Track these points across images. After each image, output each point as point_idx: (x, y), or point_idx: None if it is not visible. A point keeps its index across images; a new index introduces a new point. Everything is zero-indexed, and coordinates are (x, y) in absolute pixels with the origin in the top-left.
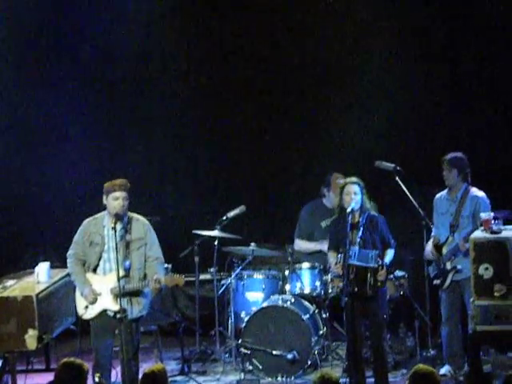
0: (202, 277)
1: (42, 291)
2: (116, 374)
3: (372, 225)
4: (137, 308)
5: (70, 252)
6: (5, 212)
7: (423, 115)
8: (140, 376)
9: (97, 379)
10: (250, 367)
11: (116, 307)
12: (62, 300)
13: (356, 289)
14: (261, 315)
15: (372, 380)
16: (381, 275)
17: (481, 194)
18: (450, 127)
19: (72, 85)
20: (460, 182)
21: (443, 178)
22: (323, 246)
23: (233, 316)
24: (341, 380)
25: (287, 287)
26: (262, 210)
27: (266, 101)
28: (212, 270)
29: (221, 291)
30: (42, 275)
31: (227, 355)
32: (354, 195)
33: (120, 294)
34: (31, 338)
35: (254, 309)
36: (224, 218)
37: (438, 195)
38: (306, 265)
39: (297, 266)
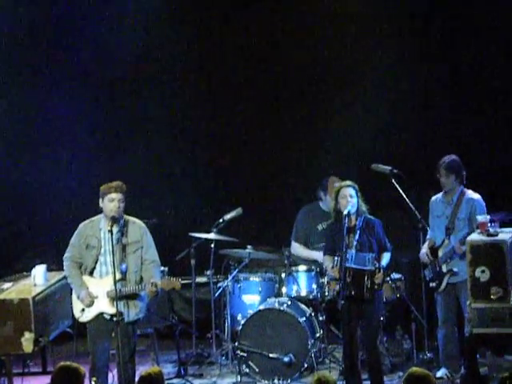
0: (199, 279)
1: (39, 294)
2: (113, 376)
3: (369, 228)
4: (133, 311)
5: (66, 255)
6: (1, 214)
7: (423, 115)
8: (136, 379)
9: (93, 383)
10: (247, 370)
11: (112, 310)
12: (58, 303)
13: (353, 292)
14: (257, 318)
15: (368, 383)
16: (378, 278)
17: (476, 196)
18: (450, 127)
19: (71, 85)
20: (456, 185)
21: (440, 184)
22: (320, 256)
23: (229, 319)
24: (337, 383)
25: (284, 290)
26: (259, 212)
27: (264, 103)
28: (208, 272)
29: (217, 294)
30: (39, 278)
31: (224, 358)
32: (350, 198)
33: (116, 297)
34: (28, 341)
35: (251, 311)
36: (221, 220)
37: (433, 198)
38: (302, 267)
39: (293, 268)
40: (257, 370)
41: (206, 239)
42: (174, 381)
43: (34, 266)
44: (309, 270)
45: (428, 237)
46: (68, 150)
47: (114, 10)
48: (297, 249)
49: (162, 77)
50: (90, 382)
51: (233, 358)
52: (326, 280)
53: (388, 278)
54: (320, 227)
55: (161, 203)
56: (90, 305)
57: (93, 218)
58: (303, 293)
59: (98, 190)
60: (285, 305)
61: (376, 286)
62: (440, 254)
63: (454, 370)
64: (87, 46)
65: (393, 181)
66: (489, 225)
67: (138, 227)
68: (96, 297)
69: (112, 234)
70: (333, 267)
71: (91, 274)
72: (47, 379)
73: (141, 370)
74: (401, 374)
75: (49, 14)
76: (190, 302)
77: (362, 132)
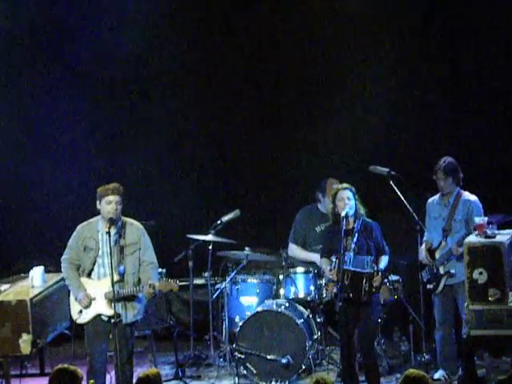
0: (197, 281)
1: (37, 296)
2: (110, 378)
3: (367, 231)
4: (131, 313)
5: (64, 257)
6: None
7: (423, 115)
8: (134, 381)
9: None
10: (245, 372)
11: (110, 312)
12: (56, 304)
13: (351, 294)
14: (255, 320)
15: None
16: (376, 281)
17: (473, 198)
18: (450, 127)
19: (71, 85)
20: (453, 187)
21: (438, 186)
22: (317, 258)
23: (227, 320)
24: None
25: (281, 292)
26: (257, 214)
27: (264, 103)
28: (206, 274)
29: (215, 296)
30: (37, 279)
31: (221, 360)
32: (348, 200)
33: (114, 299)
34: (25, 343)
35: (249, 313)
36: (218, 222)
37: (430, 199)
38: (300, 269)
39: (291, 270)
40: (255, 371)
41: (203, 241)
42: (172, 383)
43: (32, 268)
44: (307, 272)
45: (425, 239)
46: (67, 150)
47: (113, 10)
48: (294, 250)
49: (162, 77)
50: None
51: (231, 360)
52: (323, 282)
53: (386, 280)
54: (318, 229)
55: (159, 205)
56: (88, 306)
57: (90, 220)
58: (301, 294)
59: (94, 193)
60: (283, 306)
61: (374, 289)
62: (437, 255)
63: (451, 372)
64: (87, 45)
65: (391, 183)
66: (486, 227)
67: (135, 229)
68: (94, 298)
69: (110, 236)
70: (331, 269)
71: (89, 275)
72: (45, 381)
73: (138, 372)
74: (398, 375)
75: (49, 14)
76: (187, 303)
77: (361, 132)
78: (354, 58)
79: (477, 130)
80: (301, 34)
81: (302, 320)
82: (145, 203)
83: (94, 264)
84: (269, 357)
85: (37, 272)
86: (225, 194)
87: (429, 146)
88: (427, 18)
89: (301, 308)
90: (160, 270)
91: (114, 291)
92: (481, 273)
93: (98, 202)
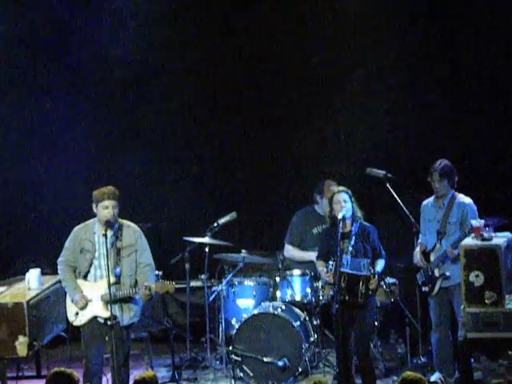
0: (193, 284)
1: (33, 298)
2: (107, 381)
3: (364, 234)
4: (128, 315)
5: (60, 259)
6: None
7: (423, 115)
8: (131, 383)
9: None
10: (241, 374)
11: (106, 314)
12: (52, 307)
13: (347, 297)
14: (251, 322)
15: None
16: (372, 283)
17: (468, 200)
18: (450, 127)
19: (71, 86)
20: (448, 189)
21: (433, 189)
22: (313, 255)
23: (223, 323)
24: None
25: (278, 294)
26: (253, 216)
27: (264, 103)
28: (203, 276)
29: (211, 298)
30: (33, 282)
31: (218, 362)
32: (344, 203)
33: (111, 301)
34: (22, 345)
35: (245, 316)
36: (215, 224)
37: (424, 202)
38: (296, 272)
39: (288, 272)
40: (251, 374)
41: (200, 243)
42: None
43: (29, 270)
44: (303, 275)
45: (419, 241)
46: (65, 152)
47: (113, 11)
48: (290, 251)
49: (162, 77)
50: None
51: (227, 363)
52: (320, 284)
53: (382, 283)
54: (315, 231)
55: (155, 208)
56: (84, 307)
57: (87, 222)
58: (297, 297)
59: (90, 196)
60: (279, 309)
61: (370, 292)
62: (432, 258)
63: (448, 375)
64: (87, 46)
65: (387, 185)
66: (483, 229)
67: (132, 231)
68: (90, 300)
69: (106, 238)
70: (327, 272)
71: (85, 277)
72: (41, 383)
73: (135, 374)
74: (395, 378)
75: (48, 15)
76: (184, 306)
77: (361, 132)
78: (354, 57)
79: (477, 130)
80: (301, 34)
81: (299, 322)
82: (142, 205)
83: (91, 266)
84: (265, 359)
85: (33, 274)
86: (221, 197)
87: (429, 146)
88: (427, 18)
89: (297, 310)
90: (157, 272)
91: (110, 293)
92: (477, 275)
93: (94, 206)
